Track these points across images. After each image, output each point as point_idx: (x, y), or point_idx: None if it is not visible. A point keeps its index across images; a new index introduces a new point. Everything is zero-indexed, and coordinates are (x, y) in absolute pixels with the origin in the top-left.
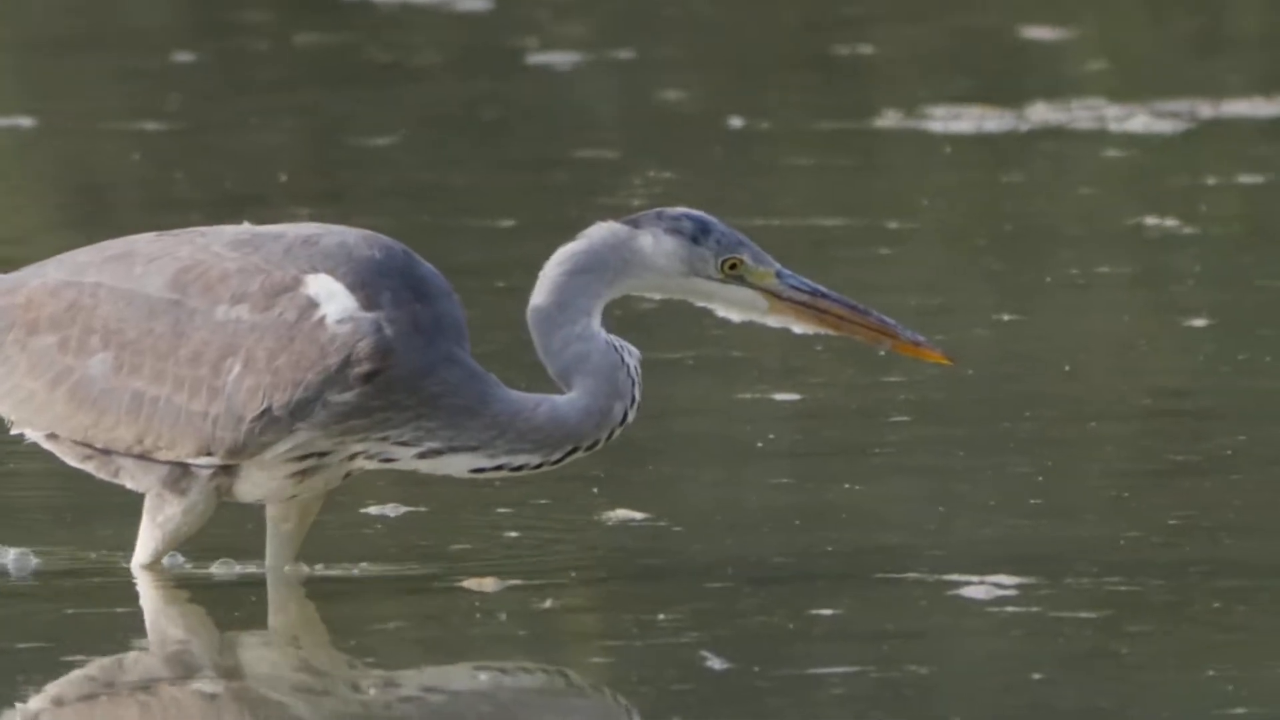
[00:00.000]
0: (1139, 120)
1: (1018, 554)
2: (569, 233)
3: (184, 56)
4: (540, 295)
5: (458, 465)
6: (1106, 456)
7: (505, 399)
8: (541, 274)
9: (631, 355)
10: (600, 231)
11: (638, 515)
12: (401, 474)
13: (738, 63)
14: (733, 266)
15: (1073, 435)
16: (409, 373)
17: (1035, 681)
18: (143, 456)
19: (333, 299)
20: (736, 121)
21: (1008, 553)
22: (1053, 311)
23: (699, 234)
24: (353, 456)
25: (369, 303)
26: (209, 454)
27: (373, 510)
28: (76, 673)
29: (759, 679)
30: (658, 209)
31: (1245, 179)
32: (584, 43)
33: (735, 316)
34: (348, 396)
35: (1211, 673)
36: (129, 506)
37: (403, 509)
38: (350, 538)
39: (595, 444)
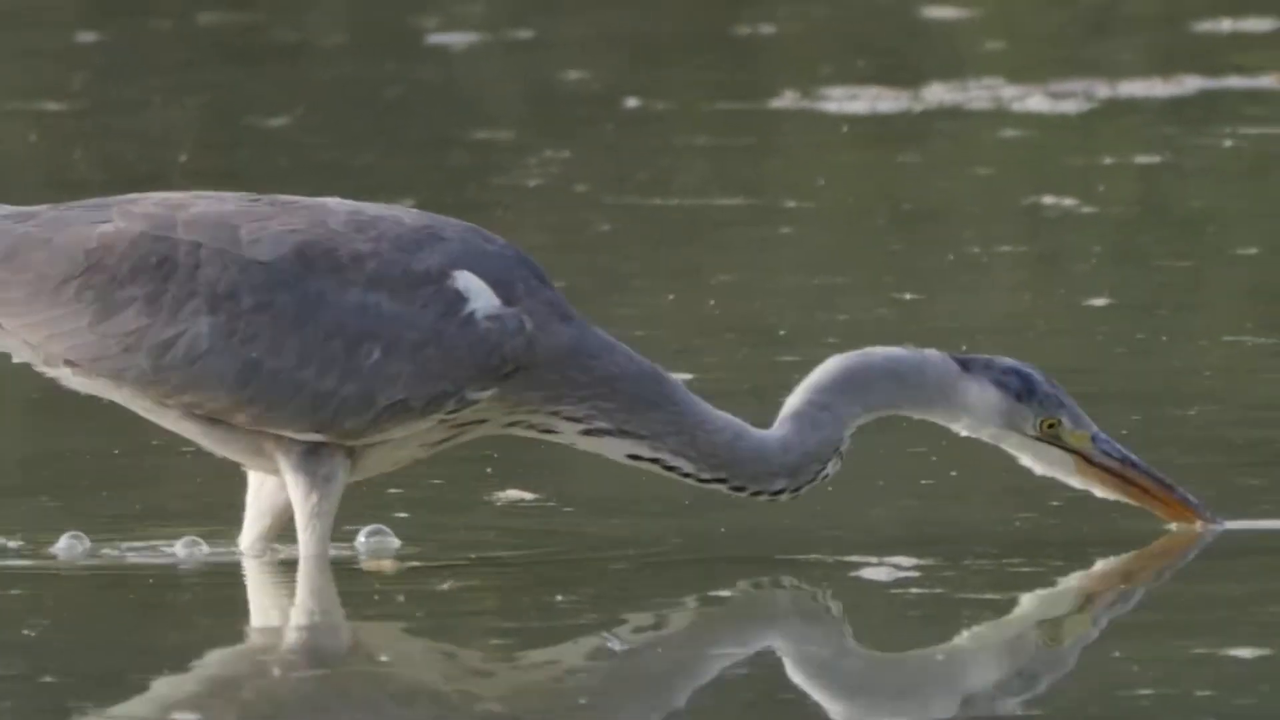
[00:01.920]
0: (1036, 100)
1: (915, 535)
2: (466, 212)
3: (87, 36)
4: (856, 366)
5: (618, 449)
6: None
7: (692, 402)
8: (867, 352)
9: (834, 466)
10: (935, 359)
11: (529, 496)
12: None
13: (637, 43)
14: (1050, 426)
15: None
16: (557, 356)
17: (939, 662)
18: (221, 422)
19: (480, 295)
20: (633, 102)
21: (905, 534)
22: (953, 291)
23: (1024, 393)
24: (512, 424)
25: (508, 297)
26: (319, 431)
27: None
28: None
29: (661, 660)
30: (988, 357)
31: (1142, 159)
32: (484, 22)
33: (1039, 471)
34: (485, 393)
35: (1116, 654)
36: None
37: None
38: (237, 516)
39: (757, 492)
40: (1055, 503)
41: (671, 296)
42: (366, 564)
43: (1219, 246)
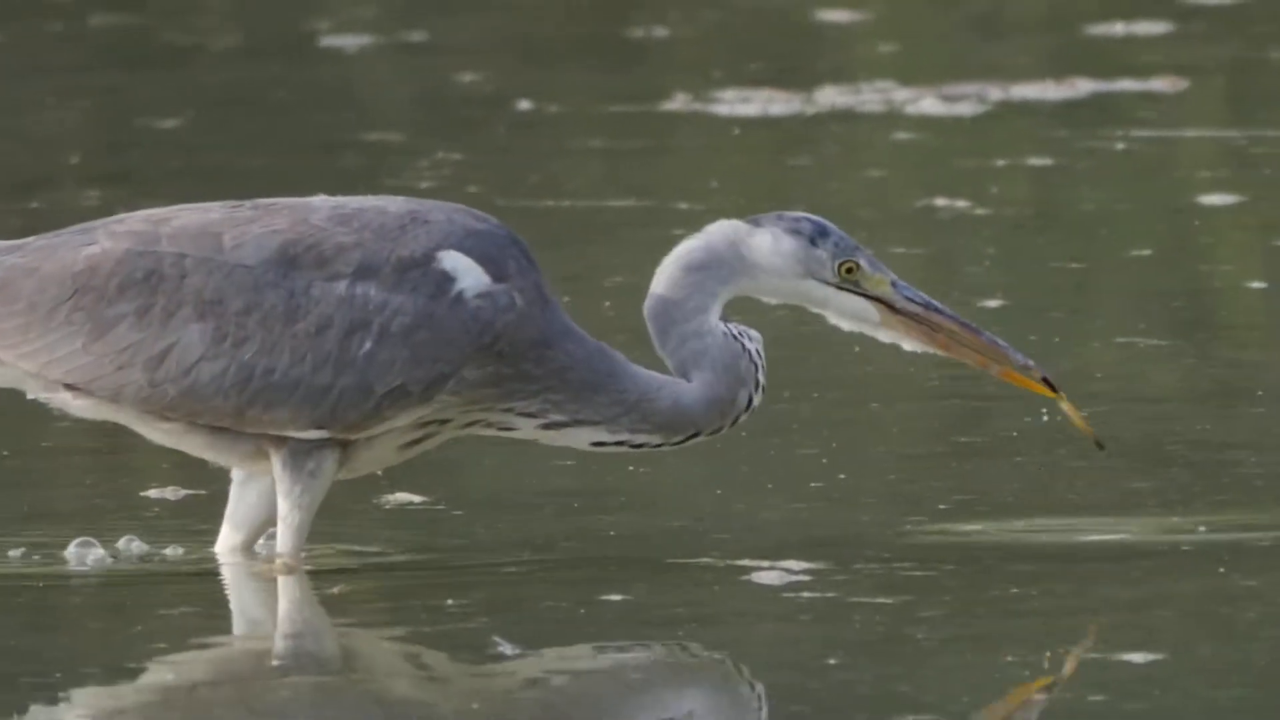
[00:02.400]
0: (928, 103)
1: (805, 538)
2: None
3: None
4: (657, 290)
5: (580, 438)
6: (890, 438)
7: (633, 376)
8: (659, 269)
9: (753, 340)
10: (719, 229)
11: (417, 499)
12: (184, 456)
13: (530, 45)
14: (849, 271)
15: (857, 417)
16: (534, 341)
17: (832, 666)
18: (224, 429)
19: (469, 274)
20: (525, 104)
21: (795, 537)
22: None
23: (817, 236)
24: (471, 424)
25: (498, 275)
26: (321, 427)
27: (153, 494)
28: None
29: (553, 663)
30: (778, 211)
31: (1034, 161)
32: (376, 25)
33: (846, 326)
34: (483, 372)
35: (1009, 657)
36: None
37: (183, 492)
38: (131, 520)
39: (719, 429)
40: (943, 506)
41: (566, 299)
42: (258, 568)
43: (1111, 248)
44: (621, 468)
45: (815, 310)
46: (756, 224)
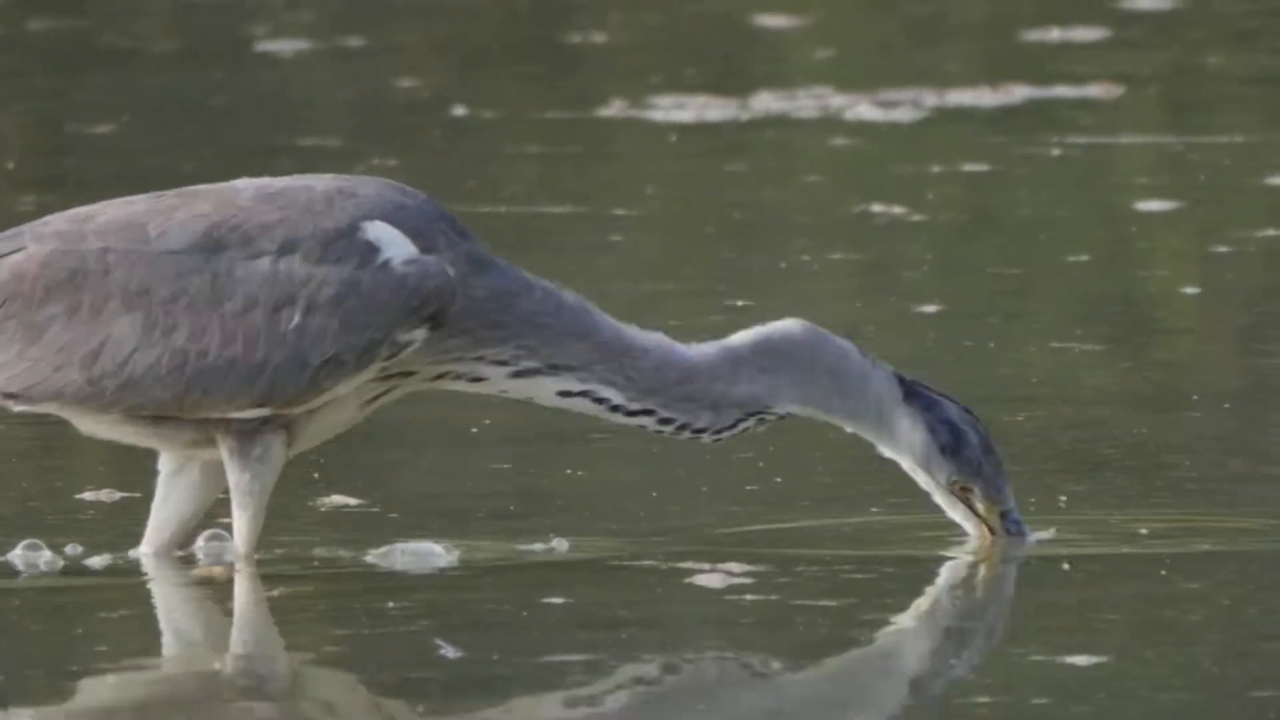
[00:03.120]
0: (864, 109)
1: (744, 541)
2: None
3: None
4: (806, 341)
5: (548, 389)
6: (824, 443)
7: (619, 329)
8: (821, 336)
9: (756, 426)
10: (880, 378)
11: (352, 501)
12: (120, 458)
13: (466, 51)
14: (963, 489)
15: (794, 422)
16: (478, 304)
17: (779, 669)
18: (166, 419)
19: (394, 244)
20: (461, 110)
21: (734, 540)
22: (787, 298)
23: (948, 448)
24: (439, 376)
25: (426, 246)
26: (261, 405)
27: (88, 496)
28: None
29: (498, 667)
30: (936, 395)
31: (970, 167)
32: (314, 30)
33: (949, 513)
34: (415, 335)
35: (952, 661)
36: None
37: (118, 494)
38: (67, 523)
39: (670, 420)
40: (876, 509)
41: None
42: (198, 570)
43: (1048, 254)
44: (559, 471)
45: (924, 488)
46: (909, 398)
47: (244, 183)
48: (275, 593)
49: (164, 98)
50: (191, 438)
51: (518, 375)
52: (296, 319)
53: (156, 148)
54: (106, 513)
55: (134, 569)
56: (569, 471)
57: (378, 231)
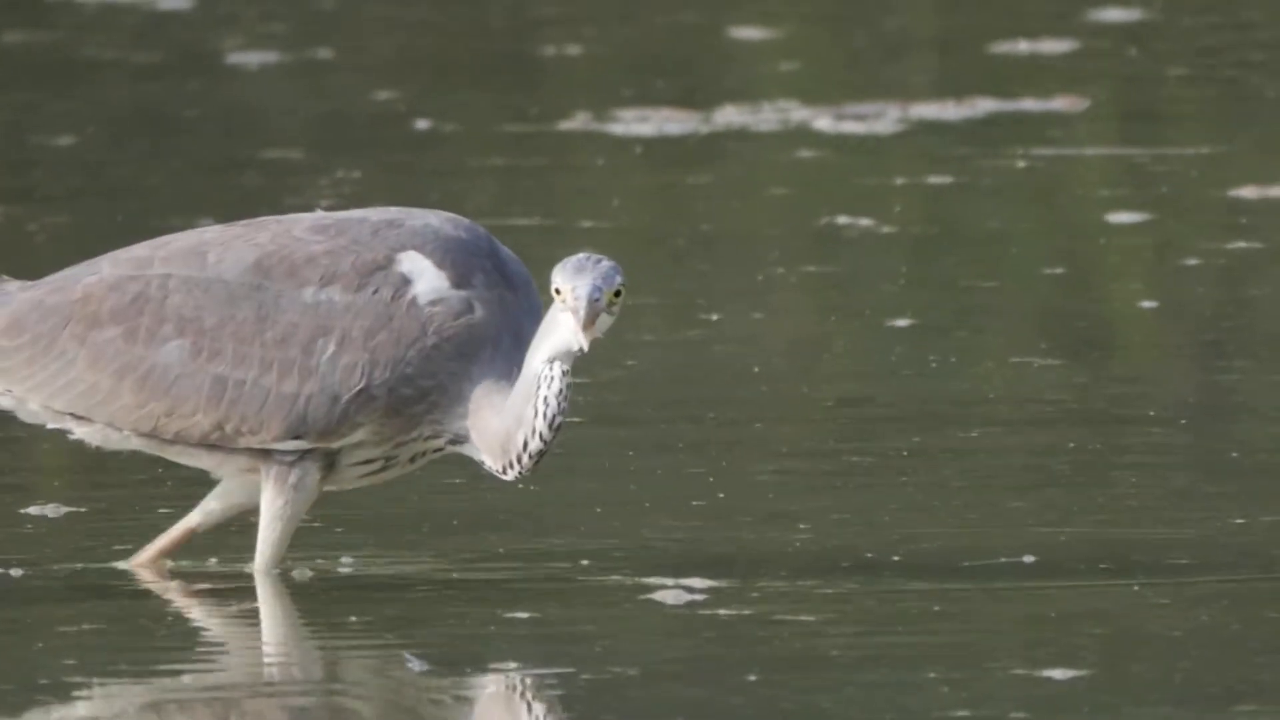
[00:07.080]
0: (829, 122)
1: (701, 556)
2: None
3: None
4: None
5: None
6: (779, 457)
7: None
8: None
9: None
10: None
11: (304, 517)
12: (69, 473)
13: (430, 64)
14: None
15: (748, 436)
16: (453, 354)
17: (751, 683)
18: (217, 446)
19: (423, 276)
20: (424, 123)
21: (690, 555)
22: (761, 311)
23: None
24: (417, 456)
25: (459, 281)
26: (297, 437)
27: (34, 510)
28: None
29: (466, 680)
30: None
31: (935, 180)
32: (283, 42)
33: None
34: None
35: (930, 675)
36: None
37: (64, 509)
38: (11, 538)
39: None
40: (834, 517)
41: None
42: (153, 586)
43: (1012, 267)
44: (513, 488)
45: None
46: None
47: (309, 215)
48: (236, 607)
49: (130, 110)
50: (243, 466)
51: (453, 443)
52: (330, 350)
53: (121, 160)
54: (50, 528)
55: (85, 581)
56: (521, 487)
57: (411, 263)
